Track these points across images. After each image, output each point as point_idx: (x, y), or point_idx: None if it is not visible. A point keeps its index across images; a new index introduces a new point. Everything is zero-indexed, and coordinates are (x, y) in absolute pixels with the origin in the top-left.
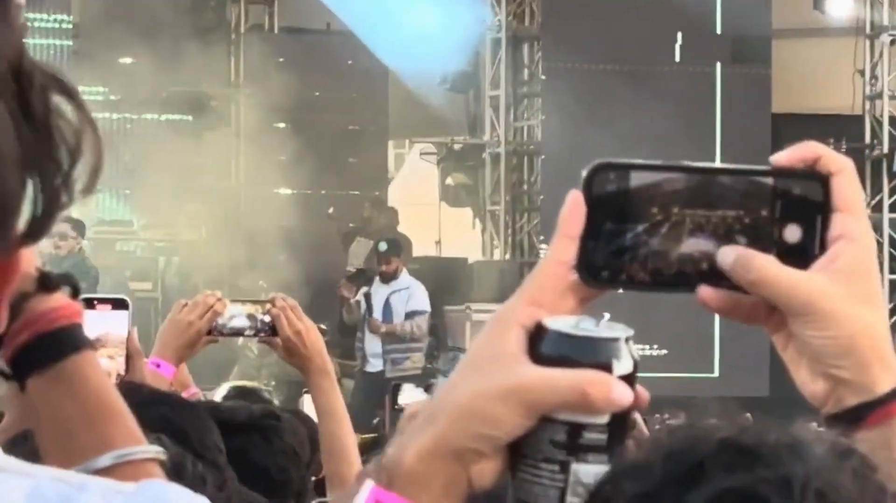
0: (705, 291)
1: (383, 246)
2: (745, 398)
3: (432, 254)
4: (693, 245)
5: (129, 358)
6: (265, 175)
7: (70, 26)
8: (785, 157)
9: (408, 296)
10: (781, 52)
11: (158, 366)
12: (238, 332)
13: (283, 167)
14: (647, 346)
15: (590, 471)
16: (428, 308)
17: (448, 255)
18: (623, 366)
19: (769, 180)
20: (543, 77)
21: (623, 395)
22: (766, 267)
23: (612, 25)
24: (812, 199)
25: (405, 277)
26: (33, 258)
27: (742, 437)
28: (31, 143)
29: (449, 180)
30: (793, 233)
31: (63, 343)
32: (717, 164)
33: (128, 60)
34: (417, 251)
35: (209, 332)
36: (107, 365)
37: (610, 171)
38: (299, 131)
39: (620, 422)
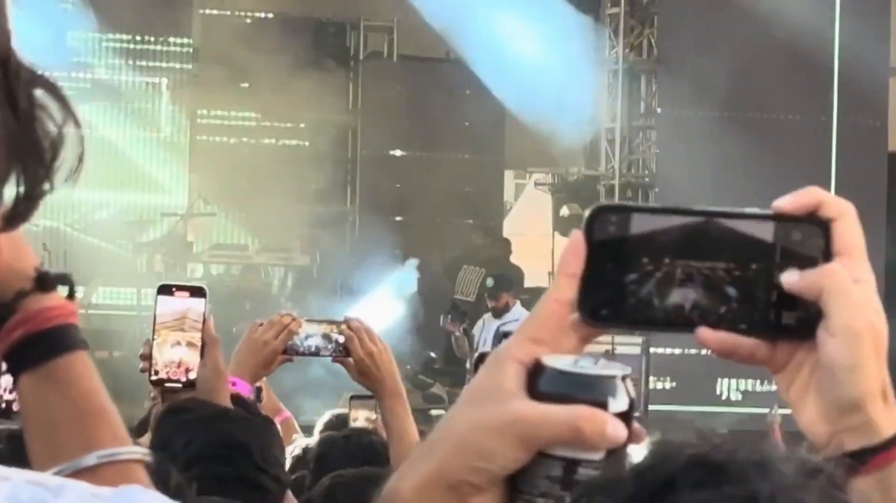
0: (705, 333)
1: (490, 282)
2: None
3: (545, 285)
4: (691, 290)
5: (204, 345)
6: (381, 201)
7: (190, 50)
8: (787, 202)
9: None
10: None
11: (234, 384)
12: (313, 353)
13: (398, 194)
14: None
15: None
16: None
17: None
18: (619, 403)
19: (770, 224)
20: (659, 110)
21: (617, 432)
22: (836, 270)
23: (727, 61)
24: (813, 244)
25: (517, 309)
26: (32, 256)
27: (712, 455)
28: (14, 130)
29: (564, 211)
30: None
31: (56, 342)
32: (720, 208)
33: (245, 85)
34: (530, 282)
35: (284, 352)
36: (181, 355)
37: (611, 214)
38: (416, 159)
39: (616, 459)
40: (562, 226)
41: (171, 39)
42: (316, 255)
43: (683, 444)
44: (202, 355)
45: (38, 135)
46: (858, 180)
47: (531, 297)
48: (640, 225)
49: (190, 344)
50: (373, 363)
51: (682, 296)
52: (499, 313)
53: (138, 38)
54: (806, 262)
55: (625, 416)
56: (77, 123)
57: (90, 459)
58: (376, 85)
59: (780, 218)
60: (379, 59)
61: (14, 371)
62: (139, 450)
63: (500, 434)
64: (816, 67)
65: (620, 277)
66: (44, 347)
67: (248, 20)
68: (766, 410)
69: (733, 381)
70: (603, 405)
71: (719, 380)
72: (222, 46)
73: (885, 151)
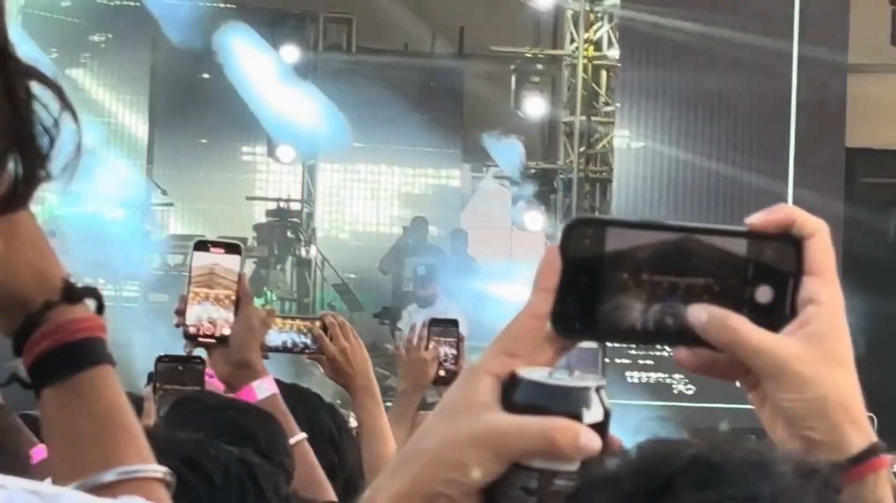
0: (681, 353)
1: (422, 270)
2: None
3: (501, 278)
4: (666, 304)
5: (238, 301)
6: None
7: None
8: (760, 219)
9: None
10: (857, 87)
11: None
12: (287, 349)
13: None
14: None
15: None
16: (466, 332)
17: None
18: (593, 414)
19: (744, 241)
20: (618, 104)
21: (591, 443)
22: (738, 327)
23: (687, 57)
24: (785, 262)
25: (443, 301)
26: (60, 267)
27: (712, 455)
28: (11, 119)
29: (521, 204)
30: (765, 294)
31: (81, 356)
32: (695, 223)
33: (206, 76)
34: (486, 274)
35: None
36: (215, 311)
37: (587, 228)
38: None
39: (592, 470)
40: (520, 219)
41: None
42: (273, 247)
43: (682, 444)
44: (236, 311)
45: (35, 124)
46: (816, 175)
47: (487, 289)
48: (616, 239)
49: (224, 300)
50: (345, 360)
51: (656, 311)
52: (426, 303)
53: (94, 25)
54: (778, 279)
55: (600, 427)
56: (74, 115)
57: (110, 475)
58: (335, 77)
59: (753, 235)
60: (338, 51)
61: (38, 384)
62: (161, 469)
63: (474, 446)
64: (776, 61)
65: (595, 291)
66: (69, 360)
67: (208, 10)
68: (719, 405)
69: (687, 376)
70: (577, 416)
71: (674, 374)
72: (181, 37)
73: (842, 147)
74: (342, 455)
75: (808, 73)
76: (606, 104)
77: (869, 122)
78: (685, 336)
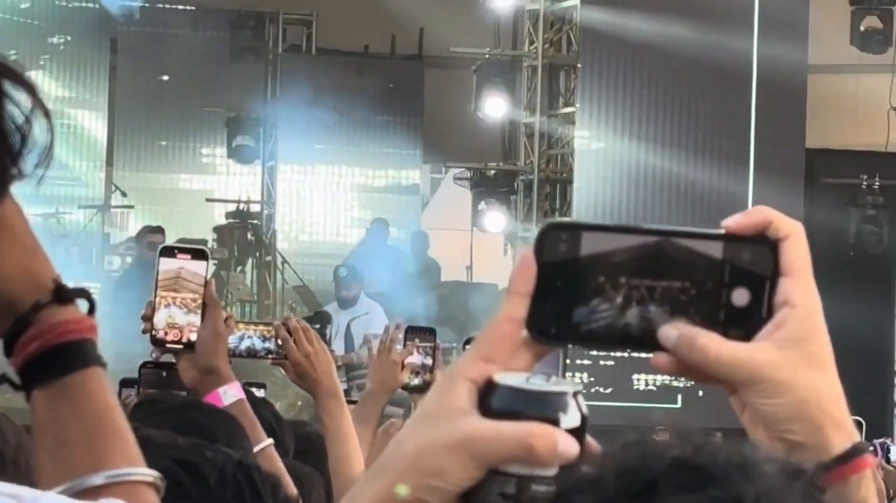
0: (659, 358)
1: (343, 272)
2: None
3: (463, 279)
4: (642, 308)
5: (205, 307)
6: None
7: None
8: (736, 221)
9: (367, 321)
10: (817, 87)
11: None
12: (251, 354)
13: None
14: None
15: None
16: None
17: (478, 281)
18: (570, 419)
19: (720, 244)
20: (578, 105)
21: (569, 448)
22: (708, 346)
23: (647, 58)
24: (761, 263)
25: (364, 301)
26: (50, 267)
27: (695, 457)
28: None
29: (482, 205)
30: (741, 297)
31: (71, 357)
32: (671, 226)
33: (165, 78)
34: (447, 276)
35: None
36: (182, 317)
37: (562, 232)
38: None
39: (570, 475)
40: (480, 220)
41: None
42: (234, 249)
43: (665, 445)
44: (202, 317)
45: (6, 123)
46: (777, 176)
47: (449, 291)
48: (591, 243)
49: (189, 305)
50: (309, 364)
51: (632, 315)
52: (348, 303)
53: (53, 27)
54: (754, 282)
55: (577, 432)
56: (46, 114)
57: (98, 478)
58: (294, 78)
59: (729, 237)
60: (297, 52)
61: (28, 385)
62: (150, 473)
63: (452, 452)
64: (735, 62)
65: (571, 296)
66: (59, 362)
67: (168, 12)
68: (679, 405)
69: (650, 377)
70: (555, 421)
71: (634, 375)
72: (140, 38)
73: (803, 136)
74: (282, 444)
75: (767, 74)
76: (567, 105)
77: (829, 122)
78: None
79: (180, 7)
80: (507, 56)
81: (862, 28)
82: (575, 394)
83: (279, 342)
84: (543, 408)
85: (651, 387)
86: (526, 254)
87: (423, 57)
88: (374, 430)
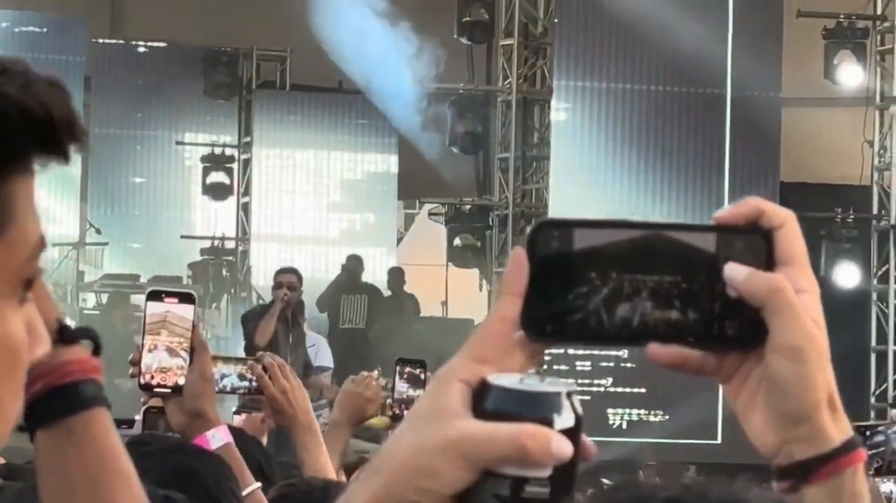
0: (654, 349)
1: None
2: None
3: (438, 314)
4: (637, 304)
5: (193, 351)
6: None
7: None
8: (728, 213)
9: (315, 352)
10: (791, 120)
11: None
12: (229, 391)
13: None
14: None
15: None
16: (332, 364)
17: (454, 317)
18: (564, 420)
19: (713, 236)
20: (553, 140)
21: (562, 448)
22: (780, 289)
23: (622, 93)
24: (755, 254)
25: (311, 335)
26: (53, 307)
27: (685, 496)
28: None
29: (457, 241)
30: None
31: (75, 398)
32: (662, 220)
33: (139, 115)
34: (424, 311)
35: None
36: (170, 361)
37: (554, 229)
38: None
39: (563, 476)
40: (455, 256)
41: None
42: (209, 286)
43: (655, 487)
44: (191, 361)
45: None
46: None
47: (426, 327)
48: (584, 240)
49: (177, 349)
50: (285, 400)
51: (627, 310)
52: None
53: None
54: None
55: (572, 432)
56: None
57: None
58: (268, 114)
59: (722, 229)
60: (271, 88)
61: (31, 426)
62: None
63: (444, 453)
64: (709, 98)
65: (565, 293)
66: (62, 403)
67: (142, 49)
68: (655, 440)
69: (624, 411)
70: (548, 422)
71: (609, 409)
72: (115, 75)
73: (777, 169)
74: (272, 482)
75: (741, 108)
76: (541, 140)
77: (803, 156)
78: (657, 335)
79: (154, 44)
80: (481, 91)
81: (835, 61)
82: (569, 395)
83: (256, 378)
84: (537, 408)
85: (622, 421)
86: (517, 253)
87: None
88: (340, 461)
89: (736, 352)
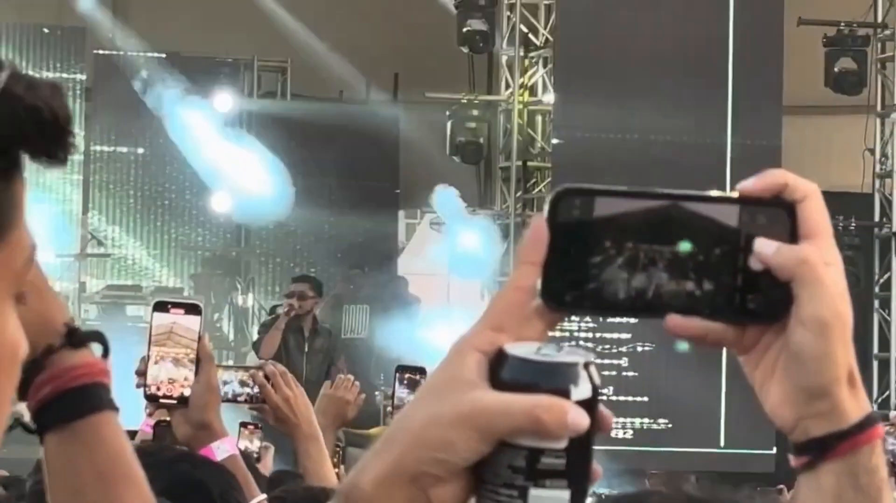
0: (674, 320)
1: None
2: (751, 474)
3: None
4: (656, 274)
5: (198, 362)
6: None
7: (83, 89)
8: (751, 185)
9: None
10: (792, 128)
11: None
12: (230, 399)
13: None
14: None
15: (549, 496)
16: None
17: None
18: (581, 391)
19: (735, 208)
20: (554, 146)
21: (578, 420)
22: (811, 260)
23: (623, 99)
24: (779, 227)
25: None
26: (63, 310)
27: None
28: None
29: (458, 250)
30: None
31: (83, 402)
32: (685, 191)
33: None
34: (426, 321)
35: None
36: (176, 372)
37: (575, 198)
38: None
39: (580, 448)
40: (458, 265)
41: (65, 76)
42: (210, 296)
43: (655, 495)
44: (196, 372)
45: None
46: None
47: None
48: (605, 208)
49: (183, 360)
50: (288, 408)
51: (646, 281)
52: None
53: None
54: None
55: (588, 404)
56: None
57: None
58: (269, 124)
59: (744, 201)
60: (272, 98)
61: (41, 429)
62: None
63: (459, 425)
64: (710, 106)
65: (584, 262)
66: (71, 407)
67: (142, 59)
68: (657, 449)
69: (627, 421)
70: (565, 393)
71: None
72: (116, 86)
73: None
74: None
75: (742, 117)
76: (543, 149)
77: (804, 163)
78: (676, 306)
79: (153, 54)
80: (483, 101)
81: (836, 69)
82: (587, 365)
83: (259, 387)
84: (554, 379)
85: (625, 431)
86: (537, 223)
87: (398, 102)
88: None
89: (757, 324)
